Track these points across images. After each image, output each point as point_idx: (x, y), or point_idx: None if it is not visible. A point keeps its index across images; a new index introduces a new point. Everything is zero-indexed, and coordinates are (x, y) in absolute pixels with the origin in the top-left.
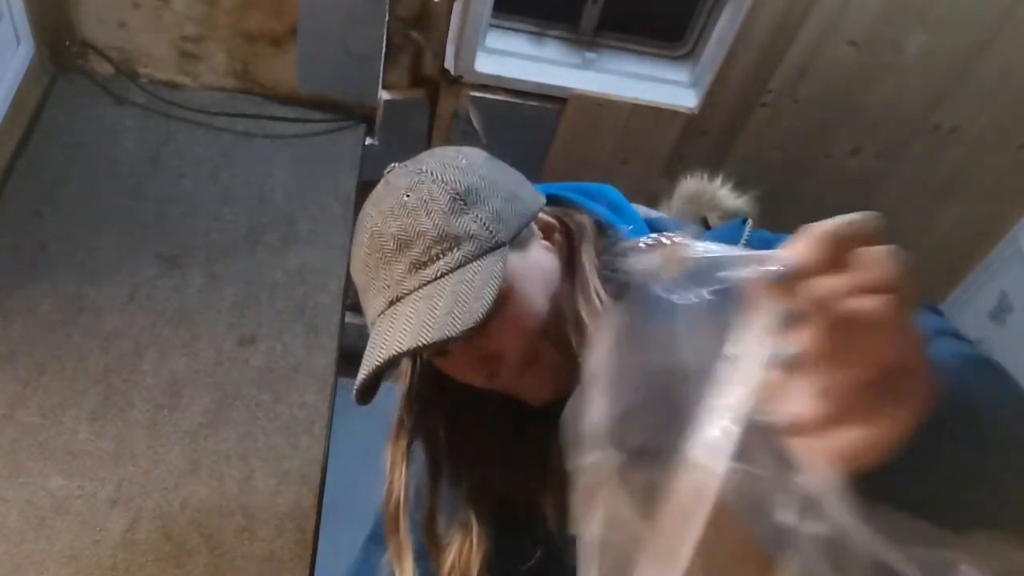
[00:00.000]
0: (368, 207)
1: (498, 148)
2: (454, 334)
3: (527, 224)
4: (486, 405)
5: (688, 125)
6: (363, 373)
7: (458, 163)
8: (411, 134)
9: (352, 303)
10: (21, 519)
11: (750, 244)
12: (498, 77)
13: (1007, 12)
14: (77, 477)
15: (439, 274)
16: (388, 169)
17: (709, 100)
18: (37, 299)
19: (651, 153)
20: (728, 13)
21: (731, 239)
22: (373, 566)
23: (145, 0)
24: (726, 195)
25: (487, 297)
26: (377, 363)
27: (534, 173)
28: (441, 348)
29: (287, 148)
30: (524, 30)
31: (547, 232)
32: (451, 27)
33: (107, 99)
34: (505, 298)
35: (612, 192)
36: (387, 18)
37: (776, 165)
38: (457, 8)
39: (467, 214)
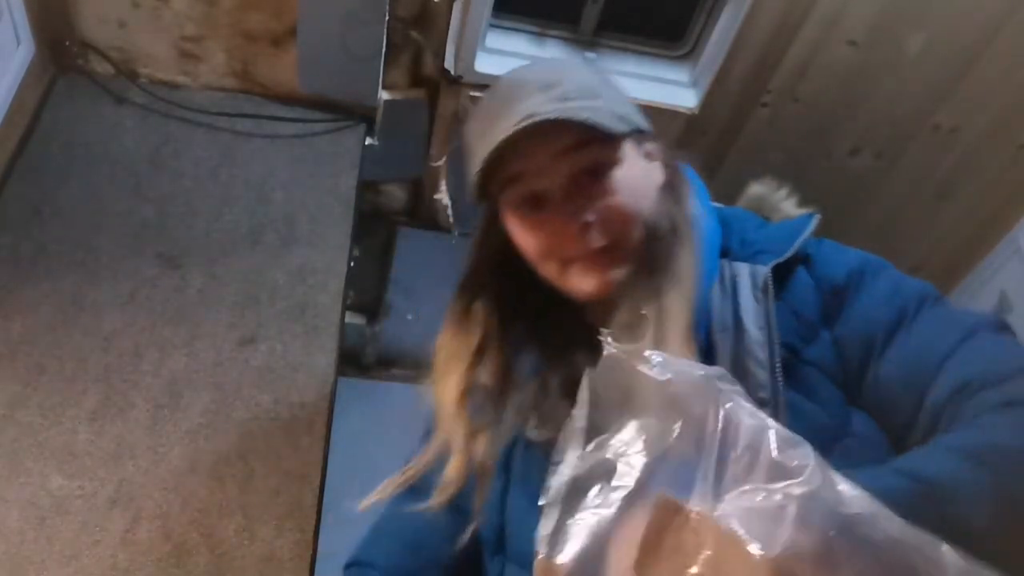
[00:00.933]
0: (506, 73)
1: None
2: (595, 122)
3: (645, 130)
4: (538, 290)
5: (688, 125)
6: (503, 135)
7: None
8: (411, 134)
9: (352, 303)
10: (21, 519)
11: (818, 254)
12: (498, 77)
13: (1007, 12)
14: (77, 477)
15: (581, 107)
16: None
17: (709, 100)
18: (37, 299)
19: None
20: (728, 13)
21: (796, 230)
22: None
23: (145, 0)
24: (789, 205)
25: (623, 128)
26: (526, 124)
27: None
28: (595, 142)
29: (287, 148)
30: (524, 30)
31: (651, 159)
32: (451, 27)
33: (107, 99)
34: (620, 161)
35: (691, 171)
36: (387, 18)
37: (776, 165)
38: (457, 8)
39: (608, 89)
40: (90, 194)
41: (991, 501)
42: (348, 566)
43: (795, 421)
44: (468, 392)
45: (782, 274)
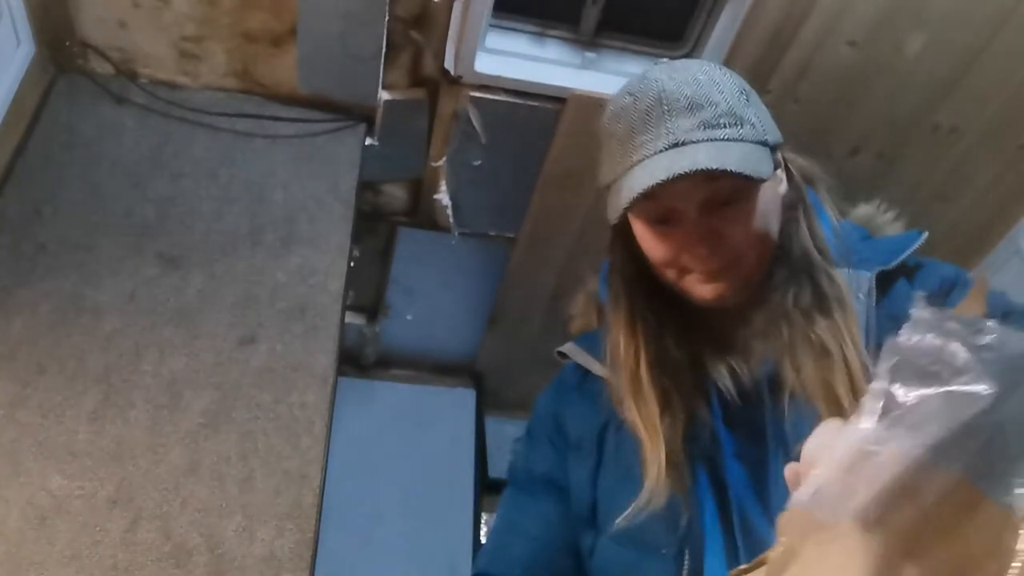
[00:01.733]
0: (653, 73)
1: (498, 148)
2: (749, 173)
3: (778, 145)
4: (663, 292)
5: None
6: (664, 176)
7: (733, 70)
8: (411, 134)
9: (352, 303)
10: (21, 519)
11: (923, 274)
12: (498, 77)
13: (1007, 12)
14: (77, 477)
15: (727, 138)
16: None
17: None
18: (37, 299)
19: None
20: (728, 13)
21: (903, 243)
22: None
23: (145, 0)
24: (894, 228)
25: (767, 166)
26: (686, 170)
27: (534, 173)
28: (740, 180)
29: (287, 148)
30: (524, 30)
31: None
32: (451, 27)
33: (107, 99)
34: (754, 190)
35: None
36: (387, 18)
37: None
38: (457, 8)
39: (748, 107)
40: (90, 194)
41: None
42: None
43: None
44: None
45: (883, 283)
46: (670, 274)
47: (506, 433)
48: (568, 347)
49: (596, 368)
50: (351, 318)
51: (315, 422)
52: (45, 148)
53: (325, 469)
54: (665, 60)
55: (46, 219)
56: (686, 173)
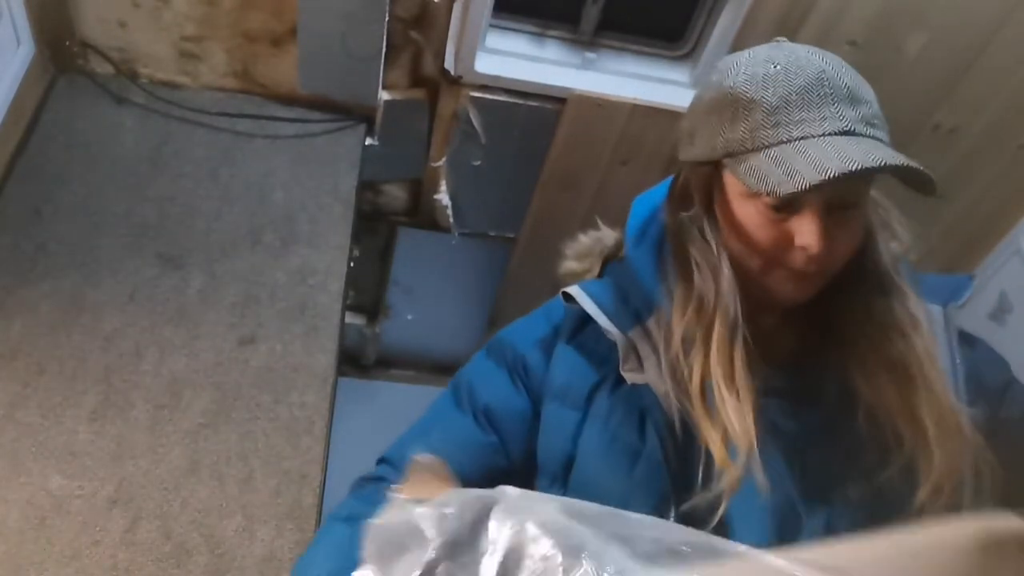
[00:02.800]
0: (798, 50)
1: (498, 148)
2: (930, 175)
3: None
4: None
5: None
6: (858, 164)
7: None
8: (411, 134)
9: (352, 303)
10: (21, 519)
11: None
12: (498, 77)
13: (1007, 12)
14: (77, 477)
15: (883, 140)
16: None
17: None
18: (37, 299)
19: (651, 153)
20: (728, 13)
21: (959, 284)
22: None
23: (145, 0)
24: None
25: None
26: (879, 162)
27: (534, 173)
28: (918, 181)
29: (287, 148)
30: (524, 30)
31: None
32: (451, 27)
33: (107, 99)
34: (867, 199)
35: None
36: (387, 18)
37: None
38: (457, 8)
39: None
40: (90, 194)
41: None
42: (379, 462)
43: None
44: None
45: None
46: (755, 261)
47: None
48: (576, 291)
49: (606, 325)
50: (351, 318)
51: (315, 422)
52: (45, 148)
53: (325, 469)
54: (783, 39)
55: (46, 219)
56: (882, 165)
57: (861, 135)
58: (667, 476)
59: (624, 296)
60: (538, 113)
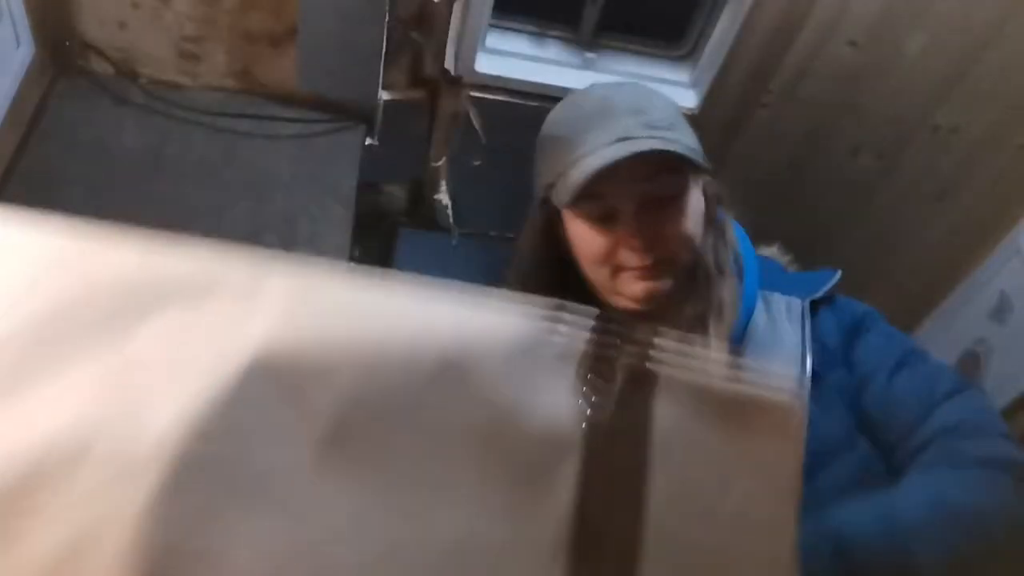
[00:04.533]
0: (593, 88)
1: (498, 148)
2: (693, 157)
3: (706, 167)
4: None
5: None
6: (614, 157)
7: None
8: (411, 134)
9: None
10: None
11: (840, 306)
12: (498, 77)
13: (1007, 12)
14: None
15: (669, 137)
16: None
17: (709, 100)
18: None
19: None
20: (728, 13)
21: (823, 277)
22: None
23: (145, 0)
24: (793, 269)
25: (703, 165)
26: (635, 151)
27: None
28: (678, 177)
29: (287, 148)
30: (524, 30)
31: (704, 194)
32: (451, 27)
33: (107, 99)
34: (685, 191)
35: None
36: (387, 18)
37: (776, 165)
38: (457, 8)
39: (684, 122)
40: (90, 194)
41: (947, 560)
42: None
43: (809, 428)
44: None
45: (810, 311)
46: (603, 272)
47: None
48: None
49: None
50: None
51: None
52: (45, 148)
53: None
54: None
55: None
56: (637, 154)
57: (638, 137)
58: None
59: None
60: (538, 113)
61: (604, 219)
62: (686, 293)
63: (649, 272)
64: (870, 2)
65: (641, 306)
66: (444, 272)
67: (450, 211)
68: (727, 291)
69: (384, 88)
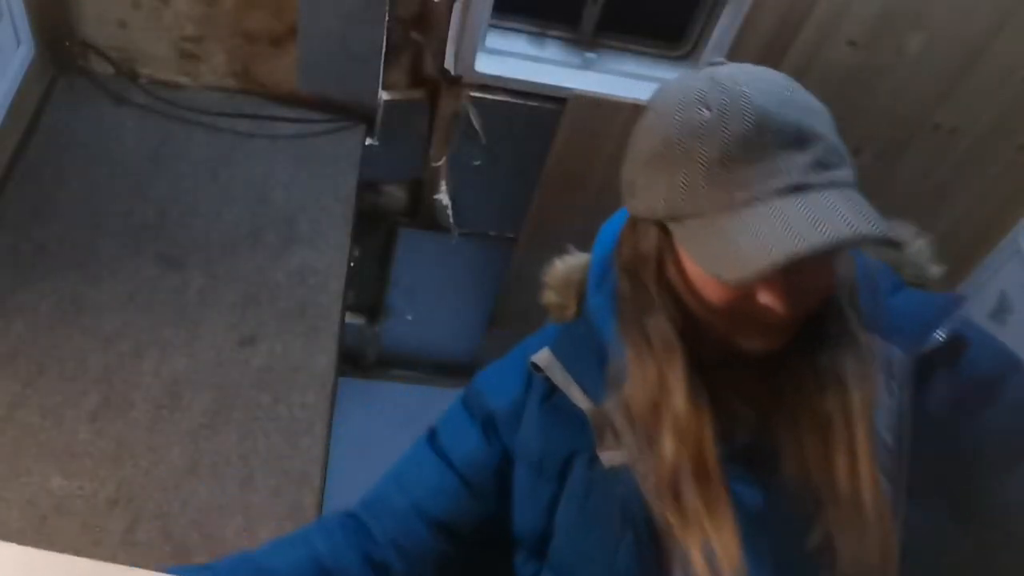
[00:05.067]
0: (733, 83)
1: (498, 148)
2: (896, 239)
3: (898, 241)
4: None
5: None
6: (807, 244)
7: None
8: (411, 134)
9: (352, 303)
10: (21, 519)
11: (971, 358)
12: (498, 77)
13: (1007, 12)
14: (77, 477)
15: (844, 182)
16: (716, 61)
17: None
18: (37, 299)
19: None
20: (728, 13)
21: (938, 311)
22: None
23: (145, 0)
24: (923, 259)
25: (882, 226)
26: (832, 239)
27: (534, 173)
28: (880, 240)
29: (287, 148)
30: (524, 30)
31: None
32: (451, 27)
33: (107, 99)
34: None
35: None
36: (387, 18)
37: None
38: (457, 8)
39: (838, 136)
40: (90, 194)
41: None
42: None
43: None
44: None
45: (921, 366)
46: (723, 323)
47: None
48: (545, 359)
49: (580, 401)
50: (351, 318)
51: (315, 422)
52: (45, 148)
53: (325, 469)
54: (721, 60)
55: (46, 219)
56: (834, 242)
57: (815, 186)
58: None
59: (598, 352)
60: (538, 113)
61: None
62: (813, 341)
63: (776, 329)
64: (870, 2)
65: (760, 355)
66: (444, 272)
67: (450, 211)
68: (867, 346)
69: (384, 88)
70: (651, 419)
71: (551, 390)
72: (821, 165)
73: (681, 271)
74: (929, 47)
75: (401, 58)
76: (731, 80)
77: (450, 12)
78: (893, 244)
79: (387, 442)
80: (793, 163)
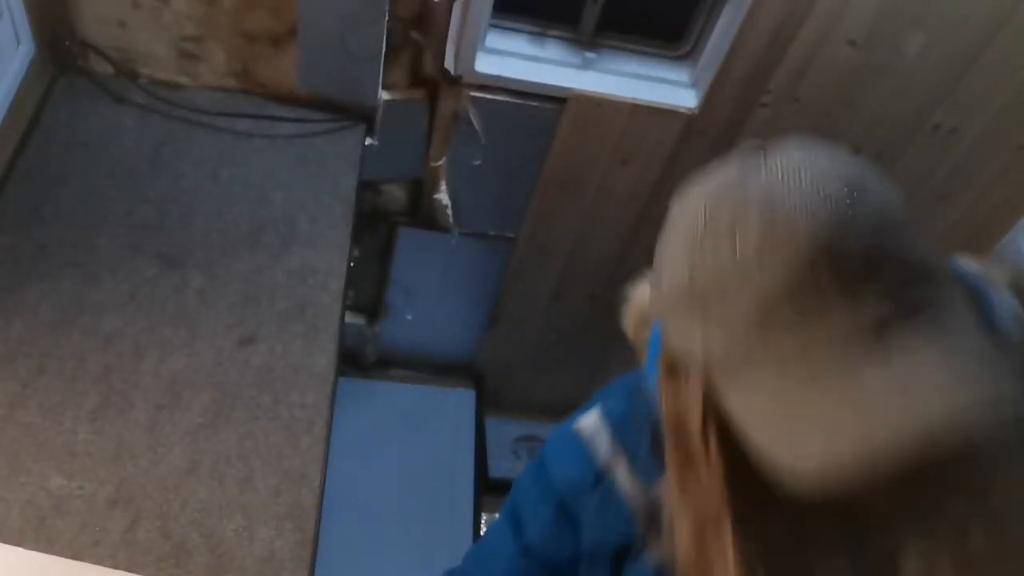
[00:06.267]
0: (775, 200)
1: (498, 148)
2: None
3: None
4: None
5: (688, 125)
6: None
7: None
8: (411, 134)
9: (352, 303)
10: (21, 519)
11: None
12: (498, 77)
13: (1007, 12)
14: (77, 477)
15: (926, 303)
16: (757, 147)
17: (709, 100)
18: (37, 299)
19: (651, 153)
20: (728, 13)
21: None
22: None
23: (145, 0)
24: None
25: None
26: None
27: (534, 173)
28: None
29: (287, 148)
30: (524, 30)
31: None
32: (451, 27)
33: (107, 99)
34: None
35: None
36: (387, 18)
37: None
38: (457, 8)
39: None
40: (90, 194)
41: None
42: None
43: None
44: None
45: None
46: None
47: (506, 433)
48: (593, 426)
49: (625, 483)
50: (351, 318)
51: (315, 422)
52: (45, 148)
53: (325, 469)
54: (759, 146)
55: (46, 219)
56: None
57: (905, 320)
58: None
59: (654, 426)
60: (538, 113)
61: None
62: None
63: None
64: (870, 2)
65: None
66: (444, 272)
67: (450, 211)
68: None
69: (384, 88)
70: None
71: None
72: (896, 291)
73: (721, 402)
74: (929, 47)
75: (401, 58)
76: (770, 197)
77: (450, 12)
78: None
79: (387, 442)
80: (857, 305)
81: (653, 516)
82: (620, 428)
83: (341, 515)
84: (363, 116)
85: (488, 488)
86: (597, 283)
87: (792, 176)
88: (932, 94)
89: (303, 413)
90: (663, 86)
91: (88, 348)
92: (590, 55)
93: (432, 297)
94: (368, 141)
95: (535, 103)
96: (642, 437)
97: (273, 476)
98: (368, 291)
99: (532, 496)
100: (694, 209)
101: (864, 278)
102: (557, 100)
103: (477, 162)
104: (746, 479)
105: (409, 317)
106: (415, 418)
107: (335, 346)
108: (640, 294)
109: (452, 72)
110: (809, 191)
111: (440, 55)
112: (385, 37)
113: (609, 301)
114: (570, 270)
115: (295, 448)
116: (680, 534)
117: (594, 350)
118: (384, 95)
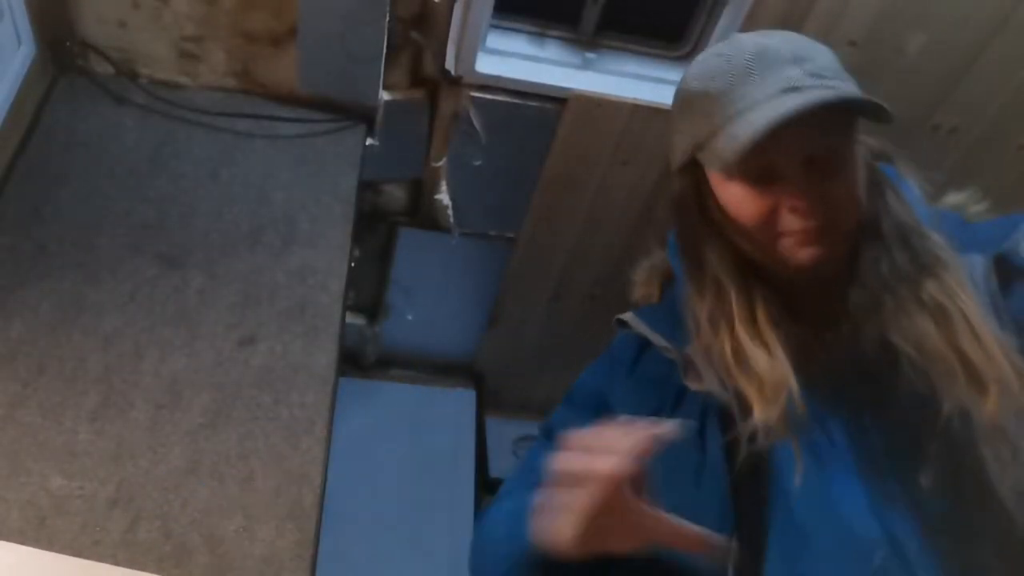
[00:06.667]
0: (743, 36)
1: (498, 148)
2: (881, 103)
3: (890, 117)
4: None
5: None
6: (793, 107)
7: None
8: (411, 134)
9: (352, 303)
10: (21, 519)
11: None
12: (498, 77)
13: (1007, 12)
14: (77, 477)
15: (843, 89)
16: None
17: None
18: (37, 299)
19: (651, 153)
20: (728, 13)
21: (1009, 225)
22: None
23: (145, 0)
24: (988, 218)
25: (891, 112)
26: (816, 101)
27: (534, 173)
28: (872, 112)
29: (287, 148)
30: (524, 30)
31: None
32: (451, 27)
33: (107, 99)
34: (852, 147)
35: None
36: (387, 18)
37: None
38: (457, 8)
39: (847, 74)
40: (90, 194)
41: None
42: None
43: None
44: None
45: (1000, 275)
46: (763, 238)
47: (506, 433)
48: (630, 316)
49: (658, 340)
50: (351, 318)
51: (315, 422)
52: (45, 148)
53: (325, 469)
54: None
55: (46, 219)
56: (820, 104)
57: (807, 87)
58: (727, 477)
59: (679, 314)
60: (538, 113)
61: (764, 179)
62: (879, 253)
63: (812, 237)
64: (870, 2)
65: (808, 273)
66: (444, 272)
67: (450, 211)
68: (934, 235)
69: (384, 88)
70: (718, 312)
71: (635, 359)
72: (817, 75)
73: (716, 200)
74: (929, 47)
75: (401, 58)
76: (740, 36)
77: (450, 12)
78: (881, 113)
79: (387, 442)
80: (788, 73)
81: (690, 363)
82: (651, 320)
83: (341, 515)
84: (363, 116)
85: (488, 488)
86: (597, 283)
87: (765, 30)
88: (932, 94)
89: (303, 413)
90: (663, 86)
91: (88, 348)
92: (590, 55)
93: (432, 297)
94: (368, 141)
95: (535, 103)
96: (666, 325)
97: (273, 476)
98: (368, 291)
99: (566, 416)
100: (702, 60)
101: (792, 62)
102: (557, 100)
103: (477, 162)
104: (737, 256)
105: (409, 317)
106: (415, 418)
107: (335, 346)
108: (641, 264)
109: (452, 72)
110: (772, 31)
111: (440, 55)
112: (385, 37)
113: (609, 301)
114: (570, 270)
115: (295, 448)
116: (701, 322)
117: (594, 350)
118: (384, 95)
